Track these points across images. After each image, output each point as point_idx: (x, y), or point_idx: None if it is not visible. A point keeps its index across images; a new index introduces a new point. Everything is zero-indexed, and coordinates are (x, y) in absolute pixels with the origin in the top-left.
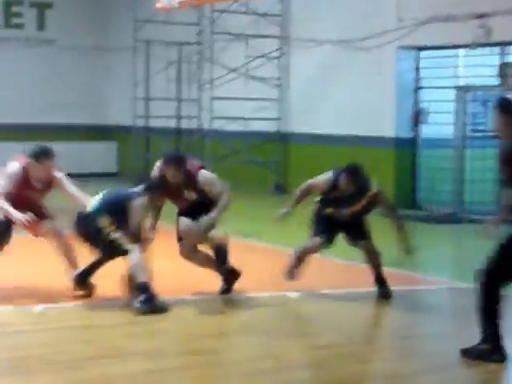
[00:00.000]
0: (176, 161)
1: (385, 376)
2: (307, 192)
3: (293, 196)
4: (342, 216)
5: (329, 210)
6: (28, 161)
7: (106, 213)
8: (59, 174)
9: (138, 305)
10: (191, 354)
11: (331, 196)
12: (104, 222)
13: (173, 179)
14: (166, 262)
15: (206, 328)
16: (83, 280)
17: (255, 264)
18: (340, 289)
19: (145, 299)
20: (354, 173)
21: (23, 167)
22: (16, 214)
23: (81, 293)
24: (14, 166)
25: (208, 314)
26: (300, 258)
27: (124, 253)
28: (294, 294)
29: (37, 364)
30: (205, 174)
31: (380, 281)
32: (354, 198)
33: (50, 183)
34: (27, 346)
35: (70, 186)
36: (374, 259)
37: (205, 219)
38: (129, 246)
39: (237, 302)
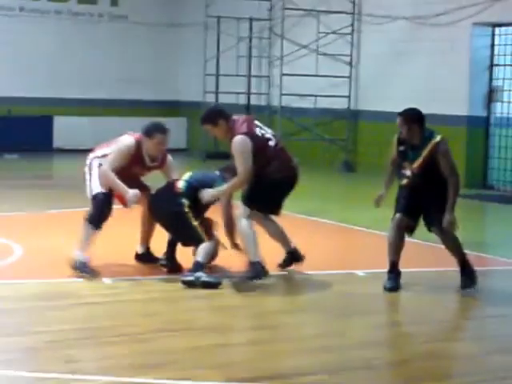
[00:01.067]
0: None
1: (451, 356)
2: (392, 165)
3: (384, 176)
4: (410, 176)
5: (403, 182)
6: (141, 136)
7: (188, 197)
8: (169, 156)
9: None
10: (256, 329)
11: (401, 156)
12: (186, 206)
13: None
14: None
15: (271, 304)
16: (173, 263)
17: (323, 242)
18: (408, 268)
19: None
20: (406, 113)
21: (137, 142)
22: (128, 191)
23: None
24: (128, 140)
25: (274, 291)
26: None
27: (198, 243)
28: (361, 273)
29: (107, 336)
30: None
31: (462, 268)
32: (420, 151)
33: (162, 161)
34: (98, 318)
35: (174, 171)
36: (449, 246)
37: (207, 192)
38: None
39: (304, 280)
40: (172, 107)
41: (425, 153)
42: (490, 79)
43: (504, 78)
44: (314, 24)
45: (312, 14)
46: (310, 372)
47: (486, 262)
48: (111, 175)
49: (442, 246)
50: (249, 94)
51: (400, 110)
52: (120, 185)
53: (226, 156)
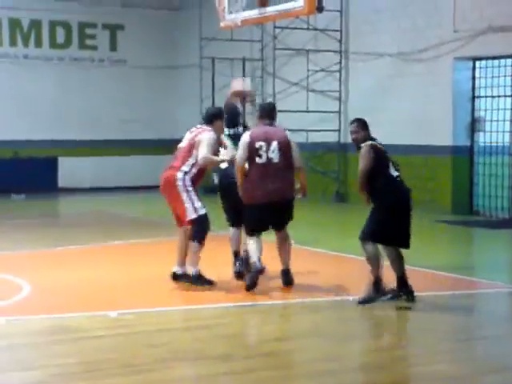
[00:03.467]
0: None
1: (441, 378)
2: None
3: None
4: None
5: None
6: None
7: None
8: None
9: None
10: (256, 357)
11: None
12: None
13: None
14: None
15: (269, 332)
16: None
17: (317, 270)
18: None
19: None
20: (360, 120)
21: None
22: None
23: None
24: (211, 133)
25: (271, 319)
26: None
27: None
28: (351, 298)
29: (111, 368)
30: None
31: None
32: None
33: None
34: (103, 351)
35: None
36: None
37: None
38: None
39: (299, 307)
40: (171, 145)
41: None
42: (473, 110)
43: (486, 109)
44: (304, 62)
45: (301, 53)
46: None
47: (474, 285)
48: (211, 157)
49: (431, 271)
50: (244, 127)
51: (388, 141)
52: (217, 159)
53: None
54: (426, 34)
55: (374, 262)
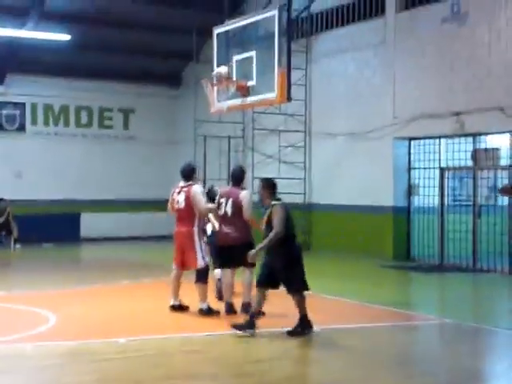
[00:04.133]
0: None
1: None
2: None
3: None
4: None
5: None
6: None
7: None
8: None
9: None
10: (239, 376)
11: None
12: None
13: None
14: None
15: (249, 355)
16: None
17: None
18: (353, 323)
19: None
20: (265, 180)
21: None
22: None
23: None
24: (198, 186)
25: (251, 344)
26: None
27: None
28: (317, 328)
29: None
30: None
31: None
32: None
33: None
34: (114, 370)
35: None
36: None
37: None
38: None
39: (274, 335)
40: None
41: (268, 212)
42: (409, 179)
43: (419, 178)
44: (276, 140)
45: (275, 132)
46: None
47: (412, 318)
48: (210, 206)
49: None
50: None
51: (343, 202)
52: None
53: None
54: (372, 119)
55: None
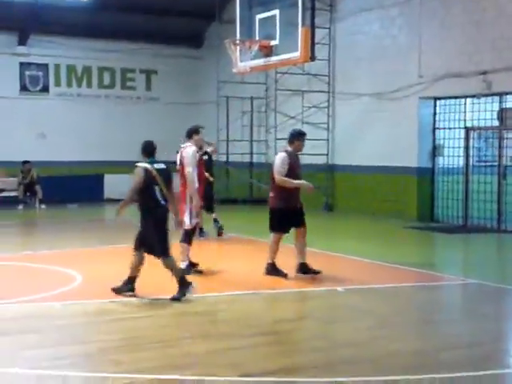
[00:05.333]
0: None
1: (411, 352)
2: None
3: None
4: None
5: None
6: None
7: None
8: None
9: None
10: (260, 335)
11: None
12: None
13: None
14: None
15: (270, 315)
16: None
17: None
18: (378, 284)
19: None
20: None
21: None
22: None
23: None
24: (192, 148)
25: (272, 305)
26: None
27: None
28: (340, 289)
29: (145, 343)
30: None
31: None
32: None
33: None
34: (138, 329)
35: None
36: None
37: None
38: None
39: (297, 295)
40: None
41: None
42: (434, 139)
43: (444, 138)
44: (299, 100)
45: (297, 93)
46: (301, 368)
47: (436, 278)
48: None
49: (400, 266)
50: (251, 154)
51: (366, 164)
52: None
53: (236, 201)
54: (397, 78)
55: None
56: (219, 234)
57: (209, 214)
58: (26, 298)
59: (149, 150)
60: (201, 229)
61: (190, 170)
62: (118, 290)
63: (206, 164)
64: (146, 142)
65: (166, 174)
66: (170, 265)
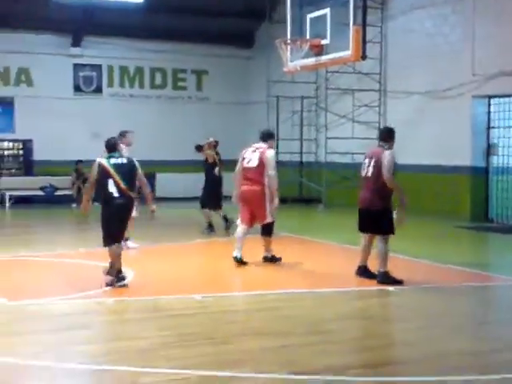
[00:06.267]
0: None
1: (463, 354)
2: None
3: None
4: None
5: None
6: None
7: None
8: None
9: None
10: (312, 333)
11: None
12: None
13: None
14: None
15: (323, 314)
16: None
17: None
18: (430, 284)
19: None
20: None
21: None
22: None
23: None
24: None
25: (326, 303)
26: None
27: None
28: (391, 288)
29: (197, 339)
30: None
31: None
32: None
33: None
34: (190, 326)
35: None
36: None
37: None
38: None
39: (346, 294)
40: None
41: None
42: (488, 138)
43: (498, 137)
44: (350, 99)
45: (348, 92)
46: (355, 366)
47: (489, 279)
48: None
49: (452, 266)
50: (301, 153)
51: (418, 163)
52: None
53: (286, 201)
54: (450, 76)
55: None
56: (227, 228)
57: (216, 211)
58: (79, 294)
59: (108, 146)
60: (210, 225)
61: (274, 172)
62: (110, 283)
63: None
64: (108, 139)
65: (125, 169)
66: (111, 254)
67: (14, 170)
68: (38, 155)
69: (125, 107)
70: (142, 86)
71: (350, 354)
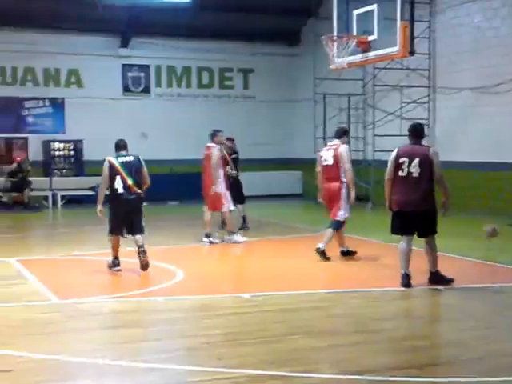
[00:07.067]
0: None
1: None
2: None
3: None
4: None
5: None
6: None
7: None
8: None
9: None
10: (361, 333)
11: None
12: None
13: None
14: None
15: (372, 313)
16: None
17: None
18: (481, 283)
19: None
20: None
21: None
22: None
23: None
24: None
25: (373, 303)
26: None
27: None
28: (441, 287)
29: (246, 338)
30: None
31: None
32: None
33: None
34: (239, 325)
35: None
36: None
37: None
38: None
39: (395, 293)
40: (290, 163)
41: None
42: None
43: None
44: (398, 96)
45: (396, 88)
46: (403, 366)
47: None
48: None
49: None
50: (349, 151)
51: (468, 159)
52: None
53: None
54: (500, 71)
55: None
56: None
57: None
58: (129, 292)
59: (116, 146)
60: (244, 219)
61: (348, 166)
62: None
63: (234, 161)
64: (117, 140)
65: (131, 166)
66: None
67: (65, 171)
68: (89, 155)
69: (172, 107)
70: (189, 85)
71: (399, 354)
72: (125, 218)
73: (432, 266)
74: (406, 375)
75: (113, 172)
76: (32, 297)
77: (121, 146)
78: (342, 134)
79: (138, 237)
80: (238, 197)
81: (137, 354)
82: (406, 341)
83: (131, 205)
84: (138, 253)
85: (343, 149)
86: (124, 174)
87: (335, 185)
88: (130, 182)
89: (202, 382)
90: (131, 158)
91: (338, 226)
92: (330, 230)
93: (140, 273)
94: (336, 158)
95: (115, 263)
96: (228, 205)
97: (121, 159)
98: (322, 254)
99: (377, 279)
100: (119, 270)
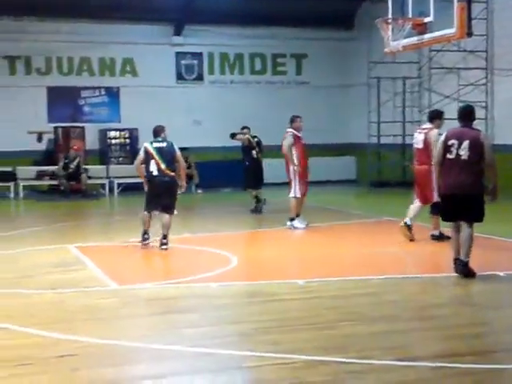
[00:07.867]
0: None
1: None
2: None
3: None
4: None
5: None
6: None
7: None
8: None
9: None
10: (418, 319)
11: None
12: None
13: None
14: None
15: (428, 299)
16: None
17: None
18: None
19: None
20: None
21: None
22: None
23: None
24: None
25: (429, 289)
26: None
27: None
28: (503, 273)
29: (298, 324)
30: None
31: None
32: None
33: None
34: (291, 311)
35: None
36: None
37: None
38: None
39: (450, 279)
40: (344, 148)
41: None
42: None
43: None
44: (455, 79)
45: (453, 71)
46: (461, 353)
47: None
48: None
49: None
50: (404, 135)
51: None
52: None
53: (388, 184)
54: None
55: None
56: (254, 210)
57: (255, 190)
58: (185, 278)
59: (154, 132)
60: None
61: (437, 151)
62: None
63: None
64: (154, 126)
65: (164, 151)
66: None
67: (121, 159)
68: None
69: (225, 94)
70: (241, 72)
71: (457, 341)
72: (158, 198)
73: (466, 255)
74: (465, 362)
75: (148, 156)
76: (90, 282)
77: (157, 132)
78: (433, 117)
79: (166, 217)
80: (254, 181)
81: (193, 339)
82: (463, 328)
83: (164, 186)
84: (160, 244)
85: (433, 134)
86: (157, 158)
87: (424, 168)
88: (162, 166)
89: (257, 367)
90: (164, 144)
91: (435, 209)
92: (433, 217)
93: (195, 259)
94: (426, 141)
95: (144, 238)
96: (292, 190)
97: (155, 145)
98: (437, 238)
99: (432, 265)
100: (147, 244)
